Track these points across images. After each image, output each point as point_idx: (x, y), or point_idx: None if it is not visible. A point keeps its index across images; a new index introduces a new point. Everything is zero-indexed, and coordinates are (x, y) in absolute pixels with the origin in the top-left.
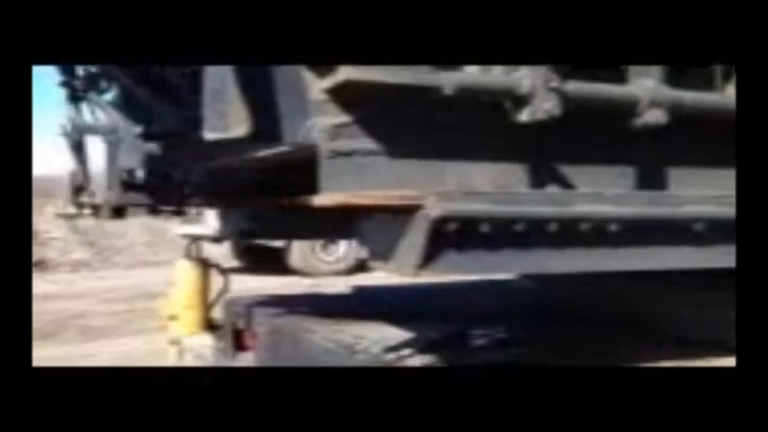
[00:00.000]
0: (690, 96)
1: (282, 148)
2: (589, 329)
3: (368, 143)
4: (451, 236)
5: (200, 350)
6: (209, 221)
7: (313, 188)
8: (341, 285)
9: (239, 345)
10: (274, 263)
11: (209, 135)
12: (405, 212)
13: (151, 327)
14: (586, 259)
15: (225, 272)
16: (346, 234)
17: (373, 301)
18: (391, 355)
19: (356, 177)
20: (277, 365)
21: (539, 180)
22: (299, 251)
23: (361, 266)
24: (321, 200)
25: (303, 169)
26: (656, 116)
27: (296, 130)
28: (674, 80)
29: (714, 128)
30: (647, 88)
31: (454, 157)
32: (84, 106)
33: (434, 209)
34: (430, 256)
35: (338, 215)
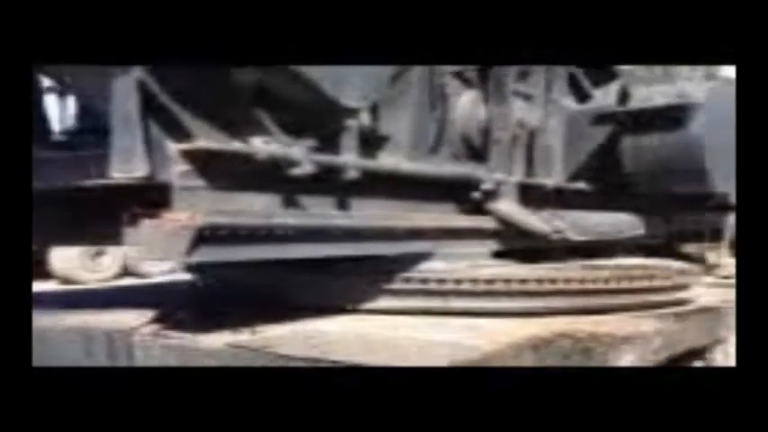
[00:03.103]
0: (372, 163)
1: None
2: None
3: (200, 182)
4: (205, 236)
5: None
6: None
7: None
8: None
9: None
10: None
11: (118, 174)
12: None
13: None
14: (281, 251)
15: None
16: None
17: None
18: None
19: (191, 204)
20: None
21: (290, 207)
22: None
23: None
24: (175, 216)
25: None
26: (353, 174)
27: (162, 172)
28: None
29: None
30: (351, 158)
31: (246, 191)
32: None
33: (196, 220)
34: (192, 247)
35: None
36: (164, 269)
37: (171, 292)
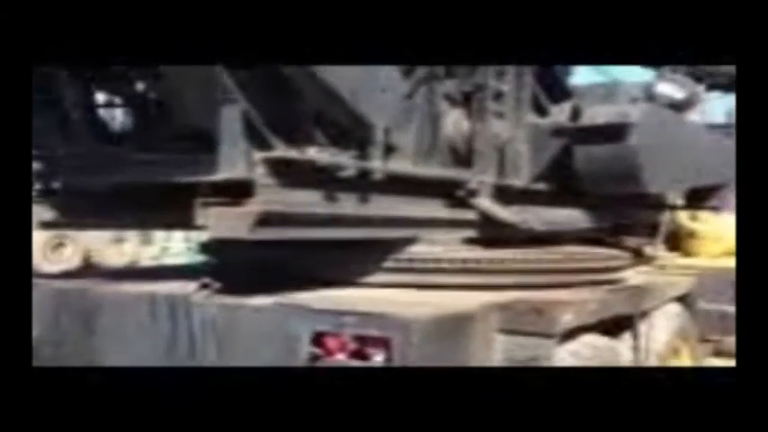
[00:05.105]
0: (398, 166)
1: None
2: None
3: (271, 181)
4: (263, 219)
5: None
6: None
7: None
8: None
9: None
10: None
11: (225, 174)
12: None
13: None
14: (317, 233)
15: None
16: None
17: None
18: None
19: (265, 196)
20: None
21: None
22: None
23: None
24: (243, 204)
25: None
26: (379, 176)
27: (248, 171)
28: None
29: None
30: (382, 164)
31: (304, 188)
32: None
33: (257, 207)
34: (256, 226)
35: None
36: (124, 262)
37: (198, 271)
